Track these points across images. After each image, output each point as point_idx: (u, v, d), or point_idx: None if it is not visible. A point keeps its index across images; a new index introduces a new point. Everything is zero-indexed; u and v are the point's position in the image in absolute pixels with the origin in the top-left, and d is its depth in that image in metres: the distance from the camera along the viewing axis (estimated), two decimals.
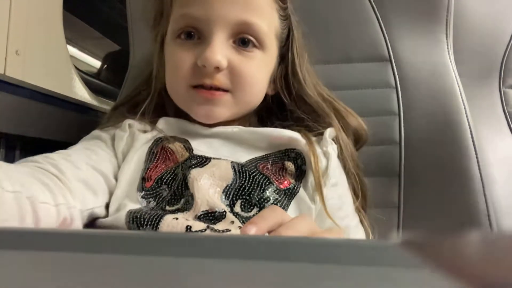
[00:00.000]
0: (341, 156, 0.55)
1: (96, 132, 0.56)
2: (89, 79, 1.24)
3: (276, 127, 0.57)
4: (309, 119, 0.57)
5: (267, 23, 0.53)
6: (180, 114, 0.58)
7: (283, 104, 0.59)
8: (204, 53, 0.50)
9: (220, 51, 0.50)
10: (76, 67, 0.92)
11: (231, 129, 0.54)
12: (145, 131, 0.56)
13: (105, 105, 0.94)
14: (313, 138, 0.54)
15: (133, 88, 0.65)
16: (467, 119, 0.64)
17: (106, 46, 1.80)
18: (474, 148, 0.63)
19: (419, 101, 0.66)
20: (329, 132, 0.55)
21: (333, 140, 0.55)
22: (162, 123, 0.57)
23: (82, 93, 0.89)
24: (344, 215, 0.51)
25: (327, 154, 0.52)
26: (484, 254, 0.16)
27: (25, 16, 0.73)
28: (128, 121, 0.55)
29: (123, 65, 0.81)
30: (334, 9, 0.69)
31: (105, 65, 1.65)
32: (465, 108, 0.65)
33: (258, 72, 0.54)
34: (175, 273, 0.15)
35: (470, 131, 0.64)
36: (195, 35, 0.53)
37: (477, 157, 0.62)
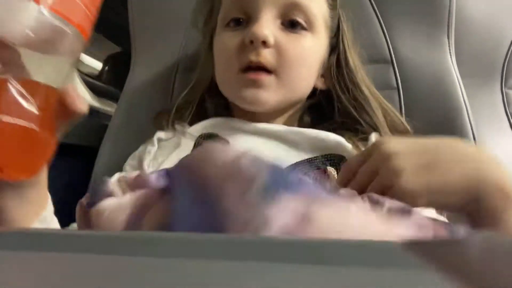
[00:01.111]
0: None
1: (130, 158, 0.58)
2: (91, 81, 1.25)
3: (321, 129, 0.55)
4: (357, 117, 0.55)
5: (316, 7, 0.53)
6: (221, 115, 0.58)
7: (331, 102, 0.58)
8: (251, 29, 0.50)
9: (267, 27, 0.50)
10: (77, 69, 0.92)
11: (276, 128, 0.53)
12: (178, 138, 0.56)
13: (107, 107, 0.94)
14: (358, 143, 0.52)
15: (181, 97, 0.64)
16: (469, 120, 0.64)
17: (108, 47, 1.80)
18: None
19: (421, 102, 0.66)
20: (374, 136, 0.53)
21: None
22: (202, 125, 0.56)
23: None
24: None
25: None
26: (487, 256, 0.16)
27: None
28: (157, 135, 0.56)
29: (124, 67, 0.81)
30: None
31: (107, 67, 1.66)
32: (467, 110, 0.65)
33: (306, 54, 0.53)
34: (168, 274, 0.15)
35: (472, 132, 0.64)
36: (244, 21, 0.53)
37: None
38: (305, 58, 0.53)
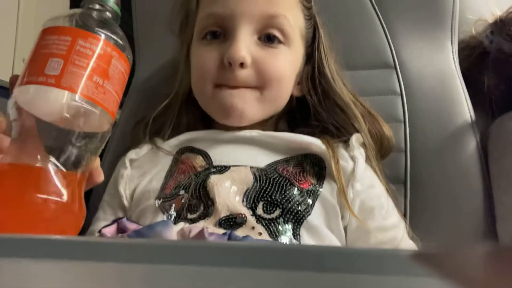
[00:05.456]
0: (368, 162, 0.54)
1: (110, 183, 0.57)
2: None
3: (298, 133, 0.55)
4: (335, 123, 0.55)
5: (292, 19, 0.54)
6: (198, 127, 0.58)
7: (308, 108, 0.58)
8: (229, 49, 0.50)
9: (245, 46, 0.50)
10: None
11: (250, 134, 0.54)
12: (153, 154, 0.56)
13: None
14: (337, 144, 0.53)
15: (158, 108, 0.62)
16: (473, 126, 0.64)
17: None
18: (480, 155, 0.62)
19: (424, 108, 0.66)
20: (355, 138, 0.54)
21: (360, 145, 0.54)
22: (177, 140, 0.56)
23: None
24: (386, 214, 0.50)
25: (354, 158, 0.51)
26: (493, 265, 0.16)
27: (32, 24, 0.74)
28: (128, 156, 0.56)
29: (129, 76, 0.81)
30: (338, 16, 0.69)
31: None
32: (471, 115, 0.64)
33: (284, 67, 0.53)
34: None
35: (476, 138, 0.63)
36: (221, 34, 0.53)
37: (483, 165, 0.62)
38: (283, 72, 0.53)
